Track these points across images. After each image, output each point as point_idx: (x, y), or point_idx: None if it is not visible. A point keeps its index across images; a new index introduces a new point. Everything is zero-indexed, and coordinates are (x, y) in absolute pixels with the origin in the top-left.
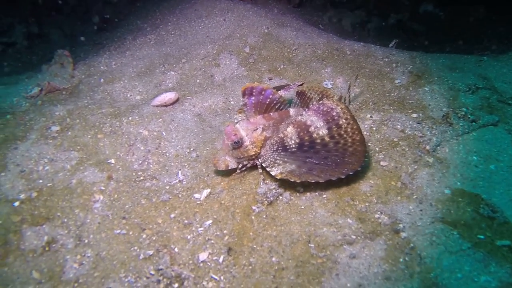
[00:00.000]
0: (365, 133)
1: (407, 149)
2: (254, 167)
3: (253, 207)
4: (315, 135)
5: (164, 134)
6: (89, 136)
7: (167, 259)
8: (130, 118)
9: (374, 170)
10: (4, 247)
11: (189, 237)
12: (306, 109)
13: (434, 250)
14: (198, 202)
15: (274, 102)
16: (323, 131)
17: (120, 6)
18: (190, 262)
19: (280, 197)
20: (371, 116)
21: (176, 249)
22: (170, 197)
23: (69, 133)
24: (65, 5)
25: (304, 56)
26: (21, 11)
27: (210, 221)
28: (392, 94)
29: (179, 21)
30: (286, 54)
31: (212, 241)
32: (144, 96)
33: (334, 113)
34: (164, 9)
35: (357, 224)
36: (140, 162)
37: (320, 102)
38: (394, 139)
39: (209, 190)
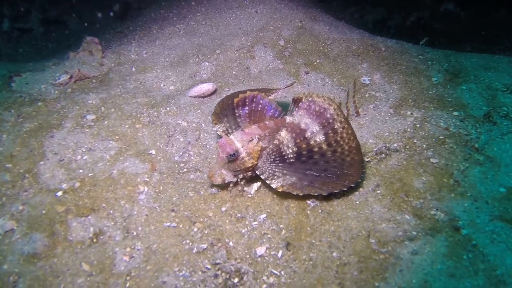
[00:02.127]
0: (408, 130)
1: (455, 146)
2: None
3: (308, 202)
4: (312, 142)
5: (204, 125)
6: (127, 126)
7: (223, 253)
8: (168, 108)
9: (425, 167)
10: (52, 237)
11: (243, 231)
12: (296, 108)
13: (496, 248)
14: (249, 196)
15: (266, 107)
16: (320, 138)
17: None
18: (247, 256)
19: (334, 192)
20: (411, 113)
21: (231, 243)
22: (219, 190)
23: (106, 122)
24: None
25: (339, 51)
26: None
27: (264, 215)
28: (431, 92)
29: (208, 11)
30: (321, 48)
31: (269, 236)
32: (178, 87)
33: (328, 115)
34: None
35: (415, 221)
36: (181, 153)
37: (309, 99)
38: (440, 137)
39: (259, 184)
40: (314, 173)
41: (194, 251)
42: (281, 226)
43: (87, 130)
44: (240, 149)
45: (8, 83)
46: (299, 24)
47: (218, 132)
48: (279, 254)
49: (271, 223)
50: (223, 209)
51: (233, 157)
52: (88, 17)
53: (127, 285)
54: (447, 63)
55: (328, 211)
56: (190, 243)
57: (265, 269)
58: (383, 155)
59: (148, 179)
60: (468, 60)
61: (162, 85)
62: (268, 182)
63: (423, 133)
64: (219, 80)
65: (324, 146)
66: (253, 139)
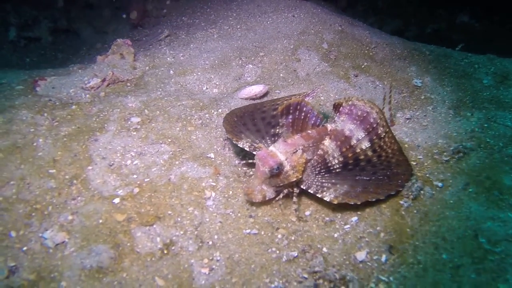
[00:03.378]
0: (476, 129)
1: None
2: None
3: (401, 202)
4: (358, 150)
5: None
6: (178, 129)
7: (320, 260)
8: (219, 110)
9: (510, 165)
10: (117, 249)
11: (335, 235)
12: (337, 114)
13: None
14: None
15: (309, 115)
16: (366, 145)
17: (162, 2)
18: (347, 263)
19: (422, 192)
20: (472, 114)
21: (324, 249)
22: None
23: (153, 125)
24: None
25: (384, 54)
26: (48, 5)
27: (356, 218)
28: (485, 94)
29: (241, 16)
30: (366, 51)
31: (367, 239)
32: (222, 90)
33: (371, 119)
34: (216, 5)
35: None
36: (240, 157)
37: (350, 103)
38: None
39: None
40: (365, 178)
41: (283, 259)
42: (377, 228)
43: (134, 133)
44: (284, 162)
45: (32, 88)
46: (339, 28)
47: (245, 148)
48: (383, 259)
49: (366, 226)
50: (307, 213)
51: (277, 172)
52: (101, 25)
53: None
54: (493, 66)
55: (424, 212)
56: (277, 251)
57: (371, 275)
58: (461, 154)
59: (214, 184)
60: (511, 64)
61: (204, 88)
62: (319, 195)
63: (493, 133)
64: (267, 82)
65: (370, 153)
66: (297, 150)
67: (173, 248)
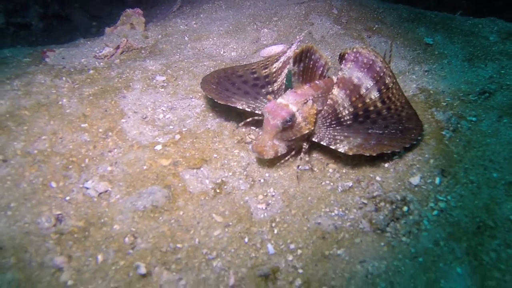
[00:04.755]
0: (494, 75)
1: None
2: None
3: (443, 133)
4: (367, 100)
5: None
6: None
7: (377, 186)
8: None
9: None
10: (169, 189)
11: (386, 165)
12: (344, 61)
13: None
14: None
15: (317, 65)
16: (375, 94)
17: None
18: (403, 187)
19: (459, 125)
20: (486, 65)
21: (378, 178)
22: None
23: (180, 82)
24: None
25: (392, 18)
26: None
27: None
28: (494, 48)
29: None
30: (375, 15)
31: (418, 166)
32: (240, 53)
33: (378, 68)
34: None
35: None
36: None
37: (355, 50)
38: None
39: None
40: (377, 131)
41: (339, 190)
42: (426, 156)
43: (162, 90)
44: (296, 113)
45: (41, 59)
46: None
47: (246, 108)
48: (437, 181)
49: (414, 155)
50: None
51: (289, 123)
52: (95, 9)
53: (276, 231)
54: (495, 26)
55: (466, 140)
56: (331, 183)
57: (429, 196)
58: (487, 94)
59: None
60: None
61: (222, 52)
62: (333, 147)
63: (511, 77)
64: (285, 43)
65: (379, 104)
66: (307, 100)
67: (225, 187)
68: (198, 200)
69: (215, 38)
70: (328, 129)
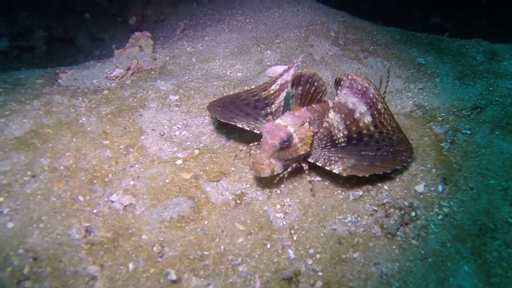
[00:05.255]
0: (484, 92)
1: None
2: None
3: (442, 145)
4: (361, 124)
5: None
6: None
7: (386, 194)
8: (252, 86)
9: None
10: (194, 201)
11: (392, 175)
12: (339, 87)
13: None
14: None
15: (317, 90)
16: (368, 119)
17: (161, 5)
18: (409, 195)
19: (456, 137)
20: (475, 83)
21: (385, 187)
22: None
23: (192, 101)
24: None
25: (386, 39)
26: (43, 14)
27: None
28: (481, 67)
29: (247, 13)
30: (370, 37)
31: (421, 175)
32: (245, 73)
33: (371, 94)
34: (217, 6)
35: None
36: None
37: (350, 78)
38: None
39: None
40: (370, 153)
41: (351, 199)
42: (428, 166)
43: (176, 108)
44: (293, 134)
45: (53, 80)
46: (342, 19)
47: (245, 127)
48: (440, 189)
49: (417, 165)
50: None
51: (287, 143)
52: (98, 32)
53: (295, 238)
54: (481, 46)
55: (463, 151)
56: (343, 193)
57: (433, 202)
58: (479, 109)
59: None
60: (495, 45)
61: (228, 72)
62: (328, 168)
63: (499, 93)
64: (288, 64)
65: (372, 128)
66: (304, 123)
67: (244, 198)
68: (221, 210)
69: (221, 60)
70: (324, 150)
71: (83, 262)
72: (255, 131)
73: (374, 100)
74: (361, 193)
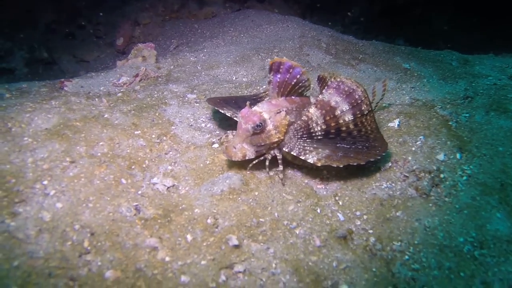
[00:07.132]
0: (468, 88)
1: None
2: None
3: (450, 123)
4: (341, 121)
5: None
6: None
7: (413, 162)
8: (263, 87)
9: (509, 100)
10: (241, 174)
11: (413, 149)
12: (326, 87)
13: None
14: (396, 129)
15: (299, 84)
16: (349, 117)
17: (149, 27)
18: (433, 163)
19: (459, 118)
20: (457, 82)
21: (409, 158)
22: None
23: None
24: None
25: (372, 50)
26: (25, 36)
27: (422, 136)
28: (458, 70)
29: (239, 29)
30: (357, 48)
31: (439, 147)
32: (250, 78)
33: (357, 96)
34: (206, 26)
35: None
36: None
37: (338, 80)
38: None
39: (398, 119)
40: (345, 146)
41: (382, 169)
42: (443, 139)
43: (197, 105)
44: (267, 120)
45: (59, 88)
46: (329, 33)
47: (227, 114)
48: (458, 156)
49: (433, 139)
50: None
51: (259, 129)
52: (83, 54)
53: (341, 203)
54: (453, 55)
55: (468, 127)
56: (374, 165)
57: (455, 167)
58: (470, 98)
59: None
60: (464, 54)
61: (234, 78)
62: (302, 157)
63: (481, 88)
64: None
65: (351, 126)
66: (280, 111)
67: (286, 173)
68: (267, 183)
69: (225, 67)
70: (299, 140)
71: (140, 236)
72: (235, 118)
73: (359, 101)
74: (390, 164)
